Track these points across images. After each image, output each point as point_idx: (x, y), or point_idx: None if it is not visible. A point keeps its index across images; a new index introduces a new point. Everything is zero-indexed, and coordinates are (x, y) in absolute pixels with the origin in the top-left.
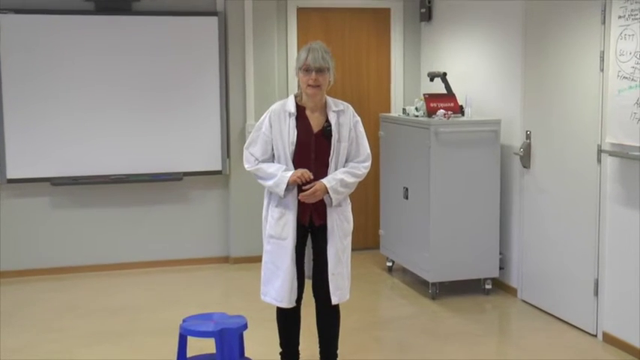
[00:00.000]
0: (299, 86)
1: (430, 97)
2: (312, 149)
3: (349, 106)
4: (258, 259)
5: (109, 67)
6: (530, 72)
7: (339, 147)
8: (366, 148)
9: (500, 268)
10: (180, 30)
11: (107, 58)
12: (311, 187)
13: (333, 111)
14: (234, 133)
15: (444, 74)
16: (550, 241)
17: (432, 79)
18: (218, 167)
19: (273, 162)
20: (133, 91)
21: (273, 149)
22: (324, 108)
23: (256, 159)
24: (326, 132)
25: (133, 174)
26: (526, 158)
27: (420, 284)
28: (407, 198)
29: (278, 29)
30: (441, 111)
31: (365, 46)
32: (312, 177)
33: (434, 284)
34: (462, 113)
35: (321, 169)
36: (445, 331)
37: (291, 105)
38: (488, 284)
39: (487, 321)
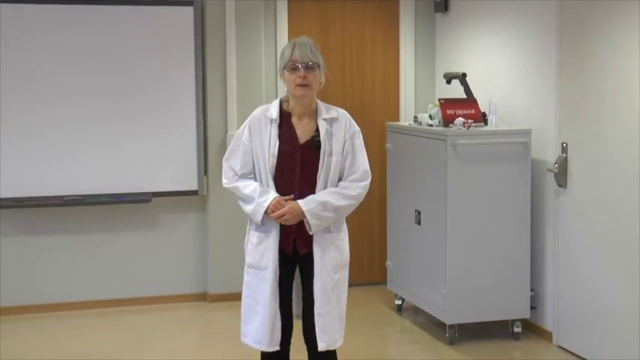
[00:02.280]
0: (286, 91)
1: (447, 103)
2: (298, 163)
3: (346, 113)
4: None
5: (59, 66)
6: (567, 73)
7: (329, 161)
8: (363, 164)
9: (532, 308)
10: (147, 22)
11: (57, 56)
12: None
13: (324, 118)
14: (213, 145)
15: (464, 75)
16: (592, 276)
17: (448, 82)
18: (193, 186)
19: (255, 176)
20: (91, 96)
21: (253, 162)
22: (314, 114)
23: (235, 173)
24: (315, 143)
25: (90, 195)
26: (562, 176)
27: (435, 327)
28: (419, 223)
29: (265, 22)
30: (460, 119)
31: (369, 42)
32: (293, 206)
33: (452, 327)
34: (485, 122)
35: (307, 187)
36: None
37: (273, 110)
38: (517, 327)
39: None
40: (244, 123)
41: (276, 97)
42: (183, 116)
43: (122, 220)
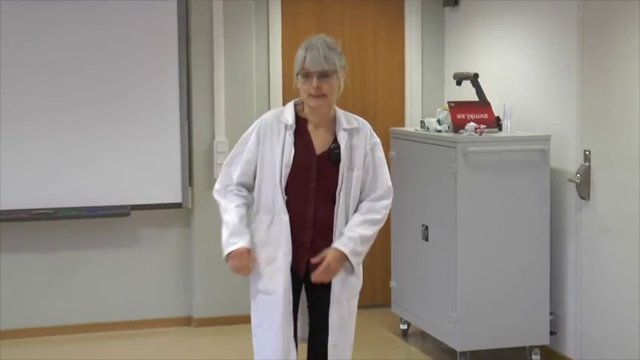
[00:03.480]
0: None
1: (457, 106)
2: (313, 177)
3: (366, 123)
4: (230, 321)
5: (26, 68)
6: (590, 73)
7: (350, 176)
8: (386, 179)
9: (552, 333)
10: (125, 18)
11: (24, 57)
12: (320, 259)
13: (345, 129)
14: (199, 153)
15: (476, 76)
16: (618, 297)
17: (459, 83)
18: (177, 199)
19: (253, 186)
20: (62, 100)
21: (255, 172)
22: (332, 124)
23: (231, 182)
24: (333, 155)
25: (63, 208)
26: (584, 186)
27: (444, 354)
28: (427, 239)
29: (257, 18)
30: (471, 124)
31: (371, 40)
32: (250, 266)
33: (463, 354)
34: (499, 127)
35: (323, 204)
36: None
37: (289, 115)
38: (535, 354)
39: None
40: (251, 127)
41: (269, 101)
42: (165, 122)
43: (97, 236)
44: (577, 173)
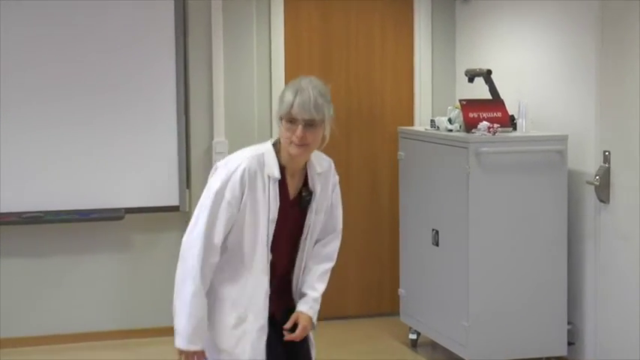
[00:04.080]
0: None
1: (469, 105)
2: (288, 227)
3: (330, 161)
4: None
5: (14, 64)
6: (610, 71)
7: (315, 222)
8: (340, 220)
9: (570, 344)
10: (121, 11)
11: (12, 52)
12: (293, 323)
13: (318, 173)
14: (197, 153)
15: (488, 73)
16: (639, 306)
17: (471, 80)
18: (174, 201)
19: (221, 252)
20: (52, 97)
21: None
22: (304, 167)
23: (211, 248)
24: (303, 202)
25: (52, 211)
26: (604, 189)
27: None
28: (437, 244)
29: (258, 10)
30: (484, 123)
31: (378, 35)
32: None
33: None
34: (514, 126)
35: (284, 250)
36: None
37: (273, 165)
38: None
39: None
40: (226, 175)
41: (270, 100)
42: (161, 120)
43: (89, 240)
44: (596, 175)
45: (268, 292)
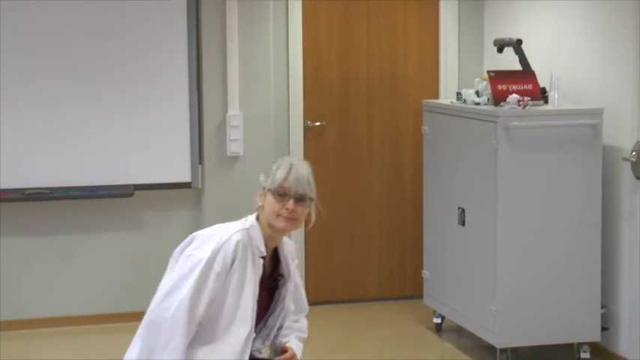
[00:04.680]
0: (258, 209)
1: (498, 76)
2: (260, 307)
3: (293, 243)
4: None
5: (23, 40)
6: None
7: (283, 304)
8: (306, 299)
9: (603, 329)
10: None
11: (20, 29)
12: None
13: (289, 252)
14: (210, 127)
15: (519, 42)
16: None
17: (500, 50)
18: (186, 178)
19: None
20: (59, 70)
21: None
22: (275, 248)
23: (192, 322)
24: (274, 283)
25: (59, 187)
26: None
27: (483, 351)
28: (463, 224)
29: None
30: (514, 96)
31: (401, 4)
32: None
33: (504, 352)
34: (545, 99)
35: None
36: None
37: (260, 240)
38: (585, 352)
39: None
40: (216, 247)
41: (287, 67)
42: (173, 92)
43: (97, 218)
44: (632, 151)
45: None
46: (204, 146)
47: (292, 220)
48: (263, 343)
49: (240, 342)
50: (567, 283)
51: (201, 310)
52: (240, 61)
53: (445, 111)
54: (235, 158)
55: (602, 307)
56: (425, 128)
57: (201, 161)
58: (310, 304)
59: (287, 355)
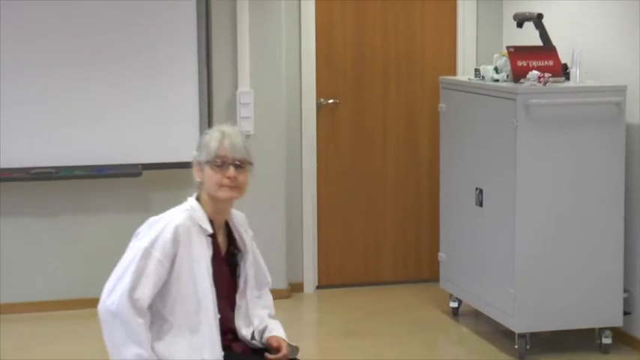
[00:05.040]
0: (199, 187)
1: (517, 52)
2: (224, 285)
3: (244, 215)
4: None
5: (29, 14)
6: None
7: (248, 276)
8: (267, 270)
9: (626, 314)
10: None
11: (36, 4)
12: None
13: (241, 224)
14: (220, 105)
15: (539, 17)
16: None
17: (520, 25)
18: None
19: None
20: (68, 45)
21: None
22: (225, 222)
23: (141, 311)
24: (232, 258)
25: (65, 167)
26: None
27: (501, 336)
28: (481, 205)
29: None
30: (534, 72)
31: None
32: None
33: (522, 336)
34: (566, 76)
35: (226, 311)
36: None
37: (204, 220)
38: (606, 337)
39: None
40: (154, 235)
41: (299, 42)
42: (182, 69)
43: (105, 198)
44: None
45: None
46: (213, 124)
47: (236, 188)
48: (247, 327)
49: (211, 325)
50: (588, 266)
51: (145, 299)
52: (250, 36)
53: (463, 88)
54: (246, 137)
55: (625, 291)
56: (442, 106)
57: None
58: (323, 287)
59: (280, 355)
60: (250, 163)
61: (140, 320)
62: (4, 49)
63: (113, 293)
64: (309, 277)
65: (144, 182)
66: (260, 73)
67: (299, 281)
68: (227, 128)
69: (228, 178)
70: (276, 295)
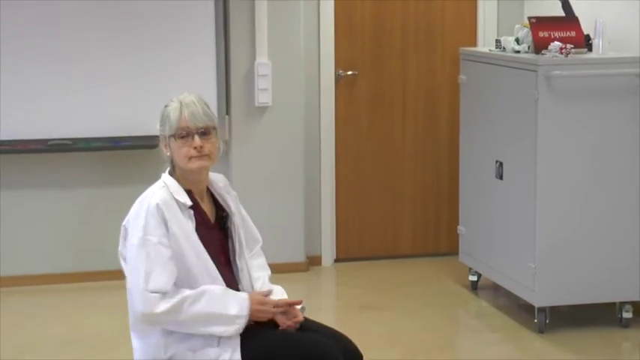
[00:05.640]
0: (171, 163)
1: (539, 23)
2: (220, 252)
3: (224, 177)
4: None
5: None
6: None
7: (241, 236)
8: (256, 229)
9: None
10: None
11: None
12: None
13: (221, 187)
14: (237, 77)
15: None
16: None
17: None
18: None
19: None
20: (83, 20)
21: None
22: (207, 189)
23: (163, 294)
24: (223, 221)
25: (82, 138)
26: None
27: (521, 310)
28: (501, 178)
29: None
30: (556, 44)
31: None
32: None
33: (542, 310)
34: (589, 47)
35: (229, 276)
36: None
37: (180, 193)
38: (627, 311)
39: None
40: (143, 222)
41: (318, 10)
42: (199, 40)
43: (122, 170)
44: None
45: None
46: (231, 96)
47: (205, 156)
48: (252, 288)
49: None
50: (610, 240)
51: (162, 284)
52: (268, 7)
53: (483, 59)
54: (264, 109)
55: None
56: (462, 78)
57: (228, 112)
58: (341, 260)
59: (293, 322)
60: (214, 128)
61: (174, 301)
62: (24, 19)
63: (135, 300)
64: (328, 251)
65: (160, 154)
66: (278, 44)
67: (317, 254)
68: (185, 97)
69: (195, 148)
70: (294, 268)
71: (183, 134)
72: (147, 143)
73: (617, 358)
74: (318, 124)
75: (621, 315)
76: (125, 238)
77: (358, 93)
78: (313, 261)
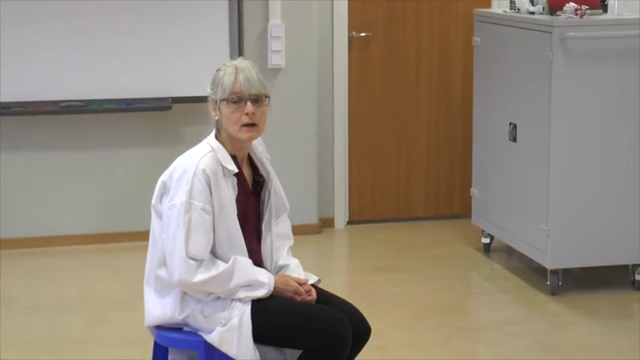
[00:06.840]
0: (216, 126)
1: None
2: (251, 217)
3: (262, 141)
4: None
5: None
6: None
7: (272, 204)
8: (284, 196)
9: None
10: None
11: None
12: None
13: (261, 153)
14: (250, 38)
15: None
16: None
17: None
18: None
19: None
20: None
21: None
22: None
23: (202, 259)
24: (259, 188)
25: (94, 100)
26: None
27: (533, 272)
28: (514, 140)
29: None
30: (571, 5)
31: None
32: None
33: (555, 273)
34: (604, 8)
35: (258, 242)
36: (571, 345)
37: (228, 160)
38: (639, 273)
39: (638, 330)
40: (188, 185)
41: None
42: (212, 1)
43: (134, 132)
44: None
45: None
46: (244, 56)
47: (255, 126)
48: (271, 260)
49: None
50: (623, 203)
51: (201, 251)
52: None
53: (497, 21)
54: (277, 70)
55: None
56: (476, 39)
57: None
58: (354, 222)
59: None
60: (267, 96)
61: (211, 274)
62: None
63: (173, 264)
64: (340, 213)
65: (174, 116)
66: (291, 5)
67: (330, 216)
68: (240, 63)
69: (247, 114)
70: (307, 230)
71: (235, 99)
72: (159, 105)
73: (628, 322)
74: (332, 86)
75: (634, 277)
76: (162, 195)
77: (371, 55)
78: (326, 223)
